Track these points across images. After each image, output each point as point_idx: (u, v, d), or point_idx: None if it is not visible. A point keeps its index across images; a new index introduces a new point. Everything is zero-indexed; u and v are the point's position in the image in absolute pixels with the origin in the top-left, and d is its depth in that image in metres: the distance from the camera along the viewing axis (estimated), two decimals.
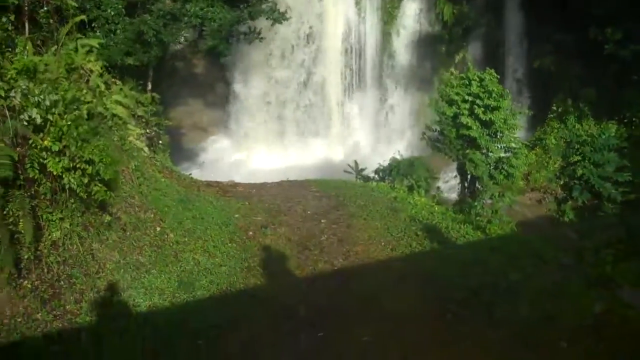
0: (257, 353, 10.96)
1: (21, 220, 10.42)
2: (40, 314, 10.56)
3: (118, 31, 19.79)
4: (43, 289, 10.93)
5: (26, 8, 14.46)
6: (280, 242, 15.34)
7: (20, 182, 10.67)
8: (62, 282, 11.27)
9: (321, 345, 11.26)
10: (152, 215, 14.37)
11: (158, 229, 14.10)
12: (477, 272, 14.15)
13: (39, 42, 14.48)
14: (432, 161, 26.31)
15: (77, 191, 11.18)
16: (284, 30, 36.61)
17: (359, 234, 15.86)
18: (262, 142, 38.46)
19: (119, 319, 11.33)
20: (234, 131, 39.07)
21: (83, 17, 16.55)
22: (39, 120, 10.63)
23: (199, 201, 16.39)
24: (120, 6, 20.04)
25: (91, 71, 15.01)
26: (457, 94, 21.29)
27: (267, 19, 25.92)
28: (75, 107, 11.84)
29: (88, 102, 13.56)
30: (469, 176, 22.12)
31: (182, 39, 24.96)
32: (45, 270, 11.12)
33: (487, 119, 20.83)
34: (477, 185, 22.26)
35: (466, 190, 22.76)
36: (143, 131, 18.58)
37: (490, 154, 21.46)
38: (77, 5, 16.85)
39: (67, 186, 11.07)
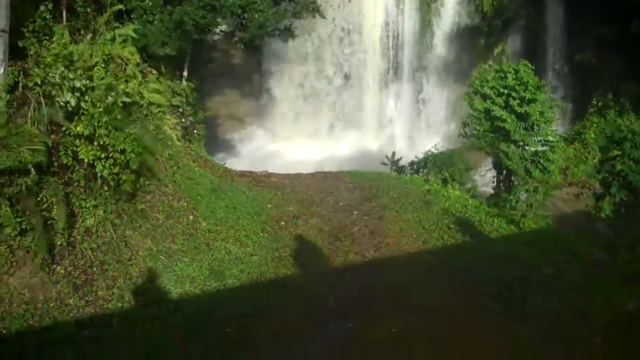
0: (285, 342, 11.01)
1: (55, 207, 10.62)
2: (72, 300, 10.77)
3: (156, 21, 19.95)
4: (76, 275, 11.13)
5: None
6: (311, 233, 15.38)
7: (54, 169, 10.86)
8: (94, 268, 11.47)
9: (350, 336, 11.28)
10: (185, 204, 14.53)
11: (191, 217, 14.25)
12: (509, 266, 14.03)
13: (76, 31, 14.62)
14: (468, 155, 26.06)
15: (108, 179, 11.35)
16: (322, 21, 36.66)
17: (390, 226, 15.82)
18: (298, 133, 38.43)
19: (150, 305, 11.49)
20: (269, 122, 39.13)
21: (121, 6, 16.71)
22: (73, 103, 10.78)
23: (232, 191, 16.51)
24: None
25: (128, 60, 15.14)
26: (492, 87, 21.01)
27: (308, 17, 25.87)
28: (110, 95, 12.00)
29: (124, 91, 13.73)
30: (504, 170, 21.85)
31: (220, 29, 25.03)
32: (79, 256, 11.32)
33: (523, 111, 20.50)
34: (512, 179, 21.98)
35: (501, 184, 22.48)
36: (178, 121, 18.72)
37: (526, 147, 21.16)
38: None
39: (99, 174, 11.24)
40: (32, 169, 10.18)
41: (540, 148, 21.29)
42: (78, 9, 15.30)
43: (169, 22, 19.62)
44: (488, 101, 21.23)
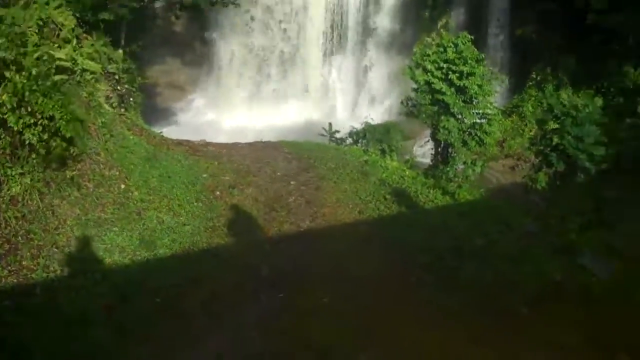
0: (216, 312, 10.90)
1: None
2: None
3: None
4: None
5: None
6: (247, 203, 15.24)
7: None
8: (19, 237, 11.10)
9: (281, 306, 11.25)
10: (117, 173, 14.20)
11: (122, 186, 13.94)
12: (443, 237, 14.18)
13: None
14: (408, 126, 26.19)
15: (37, 147, 10.98)
16: None
17: (327, 197, 15.79)
18: (240, 102, 38.02)
19: (76, 275, 11.20)
20: (211, 91, 38.56)
21: None
22: None
23: (167, 160, 16.21)
24: None
25: (62, 25, 14.63)
26: (433, 61, 21.06)
27: None
28: (42, 61, 11.60)
29: (58, 58, 13.30)
30: (442, 142, 22.02)
31: None
32: (2, 225, 10.93)
33: (462, 84, 20.66)
34: (450, 150, 22.17)
35: (439, 155, 22.68)
36: (114, 88, 18.28)
37: (464, 119, 21.34)
38: None
39: (27, 142, 10.86)
40: None
41: (478, 120, 21.48)
42: None
43: None
44: (428, 74, 21.28)
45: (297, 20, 38.43)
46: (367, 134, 22.35)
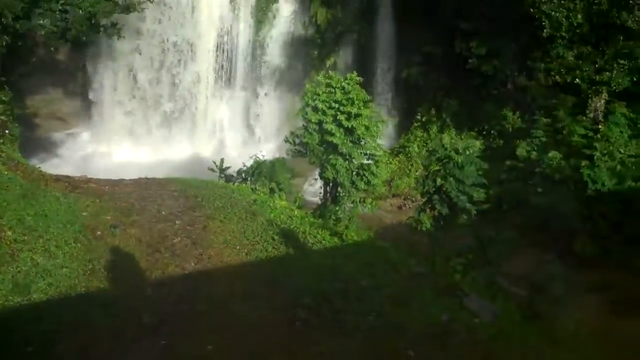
0: None
1: None
2: None
3: None
4: None
5: None
6: (129, 244, 14.64)
7: None
8: None
9: (163, 354, 10.81)
10: None
11: None
12: (329, 278, 14.13)
13: None
14: (298, 164, 26.23)
15: None
16: (153, 23, 35.74)
17: (214, 237, 15.44)
18: (127, 136, 37.08)
19: None
20: (96, 123, 37.38)
21: None
22: None
23: (45, 197, 15.42)
24: None
25: None
26: (324, 101, 21.25)
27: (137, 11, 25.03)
28: None
29: None
30: (330, 181, 22.16)
31: (41, 23, 23.51)
32: None
33: (350, 125, 20.95)
34: (339, 190, 22.33)
35: (328, 194, 22.81)
36: None
37: (353, 160, 21.59)
38: None
39: None
40: None
41: (365, 161, 21.78)
42: None
43: None
44: (319, 113, 21.45)
45: (186, 56, 38.01)
46: (254, 172, 22.15)
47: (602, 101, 26.87)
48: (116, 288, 12.88)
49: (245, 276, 14.01)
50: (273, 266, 14.60)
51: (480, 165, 20.40)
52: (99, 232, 14.77)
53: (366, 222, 22.08)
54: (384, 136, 27.26)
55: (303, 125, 22.38)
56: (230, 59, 38.96)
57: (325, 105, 21.22)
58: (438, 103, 36.15)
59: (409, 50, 37.15)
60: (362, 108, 21.17)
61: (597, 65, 26.64)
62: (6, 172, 15.51)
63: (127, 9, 24.90)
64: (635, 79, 26.07)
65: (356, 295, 13.61)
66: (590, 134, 25.42)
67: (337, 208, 21.41)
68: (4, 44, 20.12)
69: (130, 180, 19.64)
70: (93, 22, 23.26)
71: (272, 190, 21.04)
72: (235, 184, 21.68)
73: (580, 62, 26.90)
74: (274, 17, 39.20)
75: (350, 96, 21.01)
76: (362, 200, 22.10)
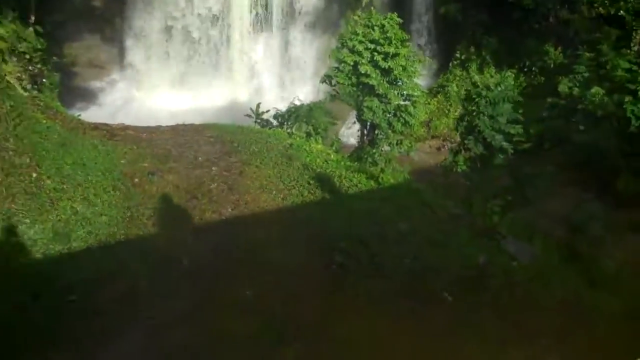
0: (133, 308, 10.55)
1: None
2: None
3: None
4: None
5: None
6: (167, 190, 14.73)
7: None
8: None
9: (203, 299, 10.96)
10: (28, 160, 13.49)
11: (34, 175, 13.27)
12: (366, 222, 14.11)
13: None
14: (335, 107, 25.98)
15: None
16: None
17: (250, 182, 15.46)
18: (164, 82, 36.99)
19: None
20: (134, 70, 37.38)
21: None
22: None
23: (83, 145, 15.49)
24: None
25: None
26: (360, 42, 20.88)
27: None
28: None
29: None
30: (368, 123, 21.92)
31: None
32: None
33: (387, 66, 20.58)
34: (376, 132, 22.09)
35: (365, 137, 22.59)
36: (25, 68, 17.43)
37: (390, 101, 21.27)
38: None
39: None
40: None
41: (402, 102, 21.46)
42: None
43: None
44: (356, 54, 21.11)
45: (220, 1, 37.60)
46: (291, 116, 21.98)
47: None
48: (155, 235, 13.05)
49: (281, 221, 14.07)
50: (309, 211, 14.61)
51: (515, 100, 19.91)
52: (137, 180, 14.88)
53: (404, 164, 21.83)
54: (422, 76, 26.73)
55: (334, 67, 22.06)
56: (266, 1, 38.39)
57: (363, 46, 20.84)
58: (477, 40, 35.22)
59: None
60: (399, 47, 20.73)
61: None
62: (44, 121, 15.58)
63: None
64: None
65: (393, 239, 13.59)
66: (635, 68, 24.55)
67: (374, 150, 21.18)
68: None
69: (167, 126, 19.68)
70: None
71: (308, 134, 20.88)
72: (272, 128, 21.57)
73: None
74: None
75: (388, 35, 20.57)
76: (399, 142, 21.82)
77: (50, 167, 13.85)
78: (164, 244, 12.65)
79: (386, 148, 21.61)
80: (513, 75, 22.31)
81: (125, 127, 18.50)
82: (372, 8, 24.05)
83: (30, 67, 18.02)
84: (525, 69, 33.40)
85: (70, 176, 13.88)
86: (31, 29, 19.07)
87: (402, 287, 12.05)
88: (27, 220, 12.21)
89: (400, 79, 21.25)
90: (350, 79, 21.31)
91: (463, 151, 19.93)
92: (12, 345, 9.19)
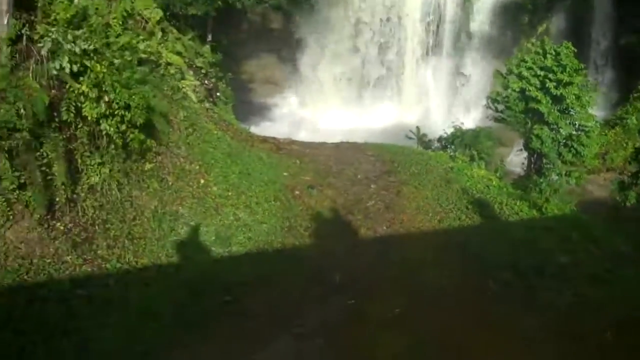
0: (283, 314, 10.78)
1: (55, 163, 10.45)
2: (70, 257, 10.58)
3: None
4: (76, 232, 10.95)
5: None
6: (325, 205, 15.04)
7: (55, 125, 10.65)
8: (96, 226, 11.29)
9: (349, 313, 11.01)
10: (198, 167, 14.27)
11: (202, 181, 14.01)
12: (524, 252, 13.55)
13: None
14: (504, 134, 25.39)
15: (114, 138, 11.15)
16: None
17: (407, 203, 15.42)
18: (334, 101, 38.09)
19: (150, 268, 11.34)
20: (306, 88, 38.77)
21: None
22: (68, 70, 10.51)
23: (249, 156, 16.19)
24: None
25: (149, 18, 14.87)
26: (529, 68, 20.36)
27: None
28: (124, 53, 11.76)
29: (142, 50, 13.50)
30: (535, 152, 21.24)
31: None
32: (80, 214, 11.14)
33: (559, 93, 19.88)
34: (544, 161, 21.35)
35: (532, 165, 21.90)
36: (201, 82, 18.48)
37: (560, 130, 20.52)
38: None
39: (104, 132, 11.04)
40: (25, 124, 9.95)
41: (574, 132, 20.63)
42: None
43: None
44: (524, 81, 20.61)
45: (393, 24, 38.07)
46: (454, 140, 21.76)
47: None
48: (310, 246, 13.32)
49: (436, 243, 13.87)
50: (466, 235, 14.31)
51: None
52: (297, 192, 15.31)
53: (572, 195, 20.85)
54: (598, 107, 25.53)
55: (501, 93, 21.63)
56: (437, 26, 38.44)
57: (530, 73, 20.31)
58: None
59: (628, 17, 34.36)
60: (573, 76, 19.97)
61: None
62: (216, 132, 16.40)
63: None
64: None
65: (551, 272, 12.95)
66: None
67: (541, 180, 20.44)
68: (216, 7, 21.19)
69: (330, 143, 20.13)
70: None
71: (472, 158, 20.55)
72: (434, 151, 21.44)
73: None
74: None
75: (562, 63, 19.90)
76: (568, 172, 20.93)
77: (217, 174, 14.55)
78: (319, 256, 12.87)
79: (554, 178, 20.79)
80: None
81: (291, 142, 19.12)
82: (546, 37, 23.43)
83: (206, 82, 19.09)
84: None
85: (235, 184, 14.51)
86: (207, 46, 20.22)
87: (557, 324, 11.42)
88: (192, 223, 12.88)
89: (572, 108, 20.45)
90: (517, 105, 20.82)
91: (634, 186, 18.75)
92: (164, 337, 9.60)
